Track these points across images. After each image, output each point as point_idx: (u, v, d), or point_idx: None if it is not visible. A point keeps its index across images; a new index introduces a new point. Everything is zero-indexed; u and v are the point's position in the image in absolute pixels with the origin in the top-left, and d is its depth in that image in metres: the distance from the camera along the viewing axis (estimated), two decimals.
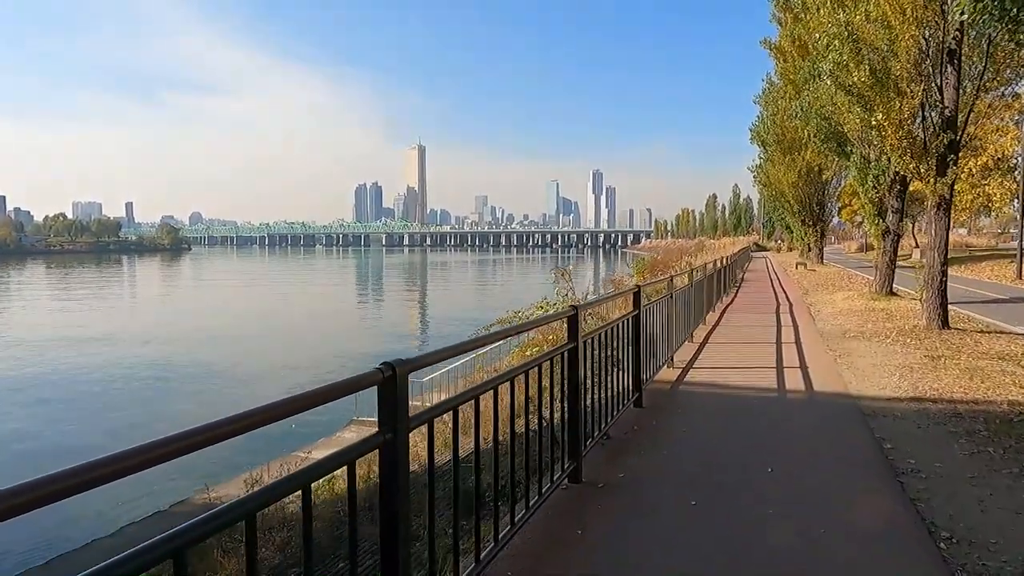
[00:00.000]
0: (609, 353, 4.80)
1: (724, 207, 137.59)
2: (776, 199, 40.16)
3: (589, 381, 4.77)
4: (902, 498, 3.75)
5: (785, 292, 18.64)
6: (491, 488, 2.94)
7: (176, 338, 25.63)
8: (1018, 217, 22.03)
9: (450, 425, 2.56)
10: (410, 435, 2.07)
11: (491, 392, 2.81)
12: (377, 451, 1.97)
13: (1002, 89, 11.13)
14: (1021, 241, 20.47)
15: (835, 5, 10.92)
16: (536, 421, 3.37)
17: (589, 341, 4.33)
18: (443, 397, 3.17)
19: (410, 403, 2.06)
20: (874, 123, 10.31)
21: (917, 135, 10.48)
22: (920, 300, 11.04)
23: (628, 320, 5.50)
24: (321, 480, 2.31)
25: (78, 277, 69.21)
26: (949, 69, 9.99)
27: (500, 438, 3.36)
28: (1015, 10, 6.48)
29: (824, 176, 32.38)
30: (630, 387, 5.59)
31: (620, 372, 5.21)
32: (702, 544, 3.20)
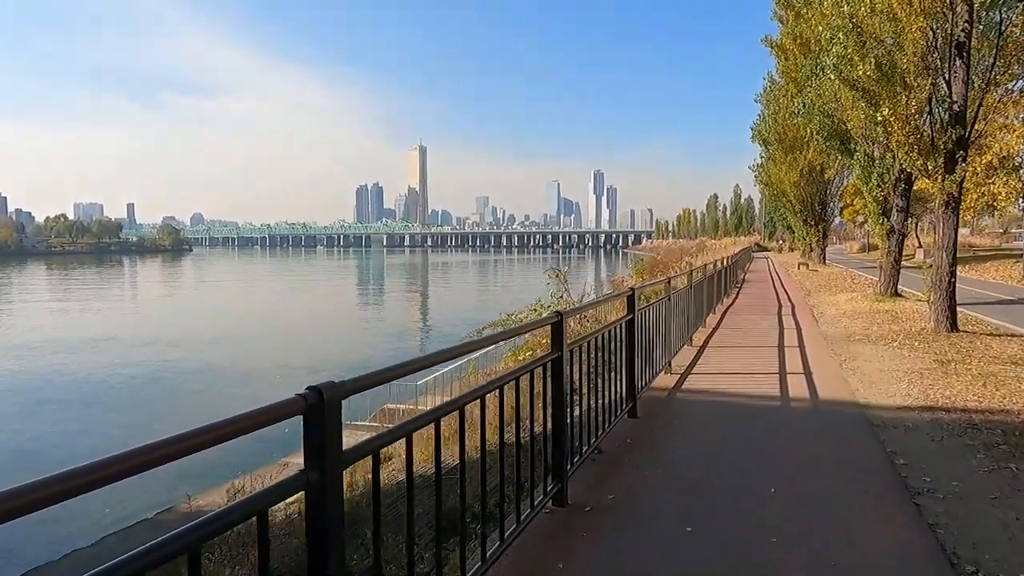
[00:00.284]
0: (602, 361, 4.47)
1: (725, 207, 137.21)
2: (777, 199, 39.80)
3: (578, 391, 4.44)
4: (918, 523, 3.40)
5: (787, 293, 18.28)
6: (462, 518, 2.60)
7: (176, 340, 25.57)
8: (1022, 216, 21.63)
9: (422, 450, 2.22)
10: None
11: (457, 413, 2.47)
12: (303, 493, 1.64)
13: (1010, 84, 10.81)
14: None
15: None
16: (515, 439, 3.04)
17: (577, 349, 3.99)
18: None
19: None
20: (879, 118, 9.95)
21: (924, 131, 10.13)
22: (927, 302, 10.69)
23: (622, 325, 5.16)
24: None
25: (78, 278, 69.06)
26: (958, 62, 9.64)
27: (482, 456, 3.02)
28: None
29: (826, 175, 32.01)
30: (624, 396, 5.25)
31: (613, 380, 4.87)
32: None
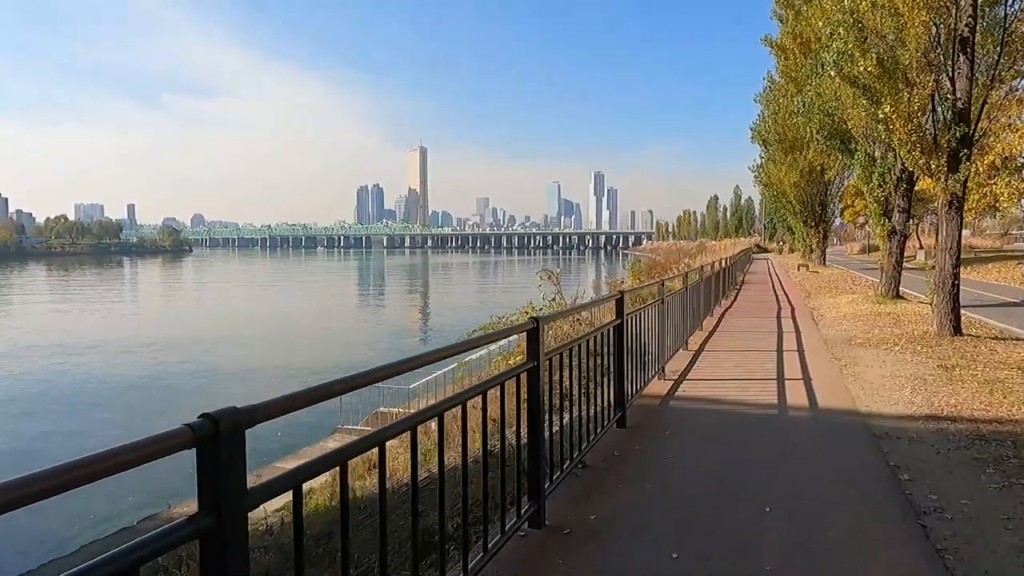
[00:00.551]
0: (588, 368, 4.19)
1: (725, 208, 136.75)
2: (777, 199, 39.48)
3: (561, 402, 4.18)
4: (925, 548, 3.13)
5: (787, 295, 17.99)
6: (418, 550, 2.32)
7: (176, 341, 25.58)
8: (1023, 218, 21.34)
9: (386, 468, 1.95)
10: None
11: (409, 432, 2.20)
12: (198, 541, 1.37)
13: (1015, 81, 10.53)
14: None
15: None
16: (482, 458, 2.77)
17: (557, 357, 3.72)
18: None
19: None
20: (881, 116, 9.68)
21: (927, 129, 9.86)
22: (930, 304, 10.41)
23: (610, 330, 4.89)
24: None
25: (78, 279, 68.90)
26: (961, 58, 9.36)
27: (440, 478, 2.75)
28: None
29: (826, 176, 31.68)
30: (612, 404, 4.98)
31: (600, 389, 4.60)
32: None
